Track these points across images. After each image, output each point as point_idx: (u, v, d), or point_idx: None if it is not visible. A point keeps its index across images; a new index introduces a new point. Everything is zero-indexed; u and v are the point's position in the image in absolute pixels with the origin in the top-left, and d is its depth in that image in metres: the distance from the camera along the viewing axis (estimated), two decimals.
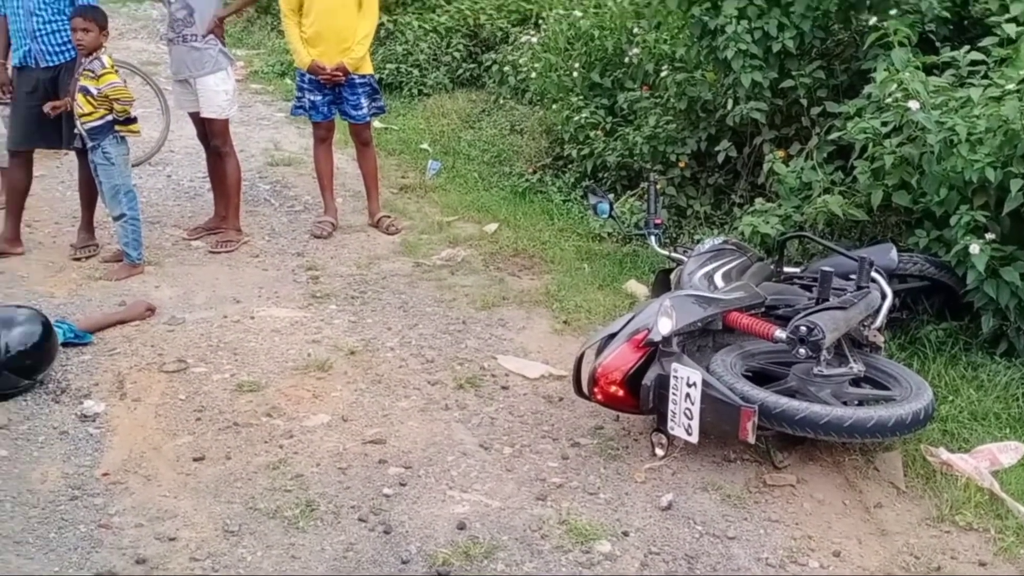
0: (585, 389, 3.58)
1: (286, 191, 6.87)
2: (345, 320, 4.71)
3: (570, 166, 6.81)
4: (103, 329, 4.52)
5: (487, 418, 3.82)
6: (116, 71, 5.14)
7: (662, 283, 4.40)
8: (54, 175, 7.00)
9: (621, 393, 3.49)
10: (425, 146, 7.91)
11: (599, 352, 3.59)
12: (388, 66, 9.56)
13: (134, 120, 5.28)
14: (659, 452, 3.52)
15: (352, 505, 3.21)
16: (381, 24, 9.87)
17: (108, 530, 3.07)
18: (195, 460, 3.47)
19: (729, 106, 5.35)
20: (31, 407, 3.82)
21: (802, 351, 3.38)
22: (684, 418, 3.35)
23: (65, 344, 4.26)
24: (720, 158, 5.61)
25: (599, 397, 3.53)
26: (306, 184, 6.96)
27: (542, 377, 4.17)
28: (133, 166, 7.24)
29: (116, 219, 5.27)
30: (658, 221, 4.75)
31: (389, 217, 6.10)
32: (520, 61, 7.89)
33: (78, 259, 5.44)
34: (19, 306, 4.19)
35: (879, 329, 3.78)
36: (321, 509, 3.18)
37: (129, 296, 4.96)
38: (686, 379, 3.34)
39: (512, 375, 4.19)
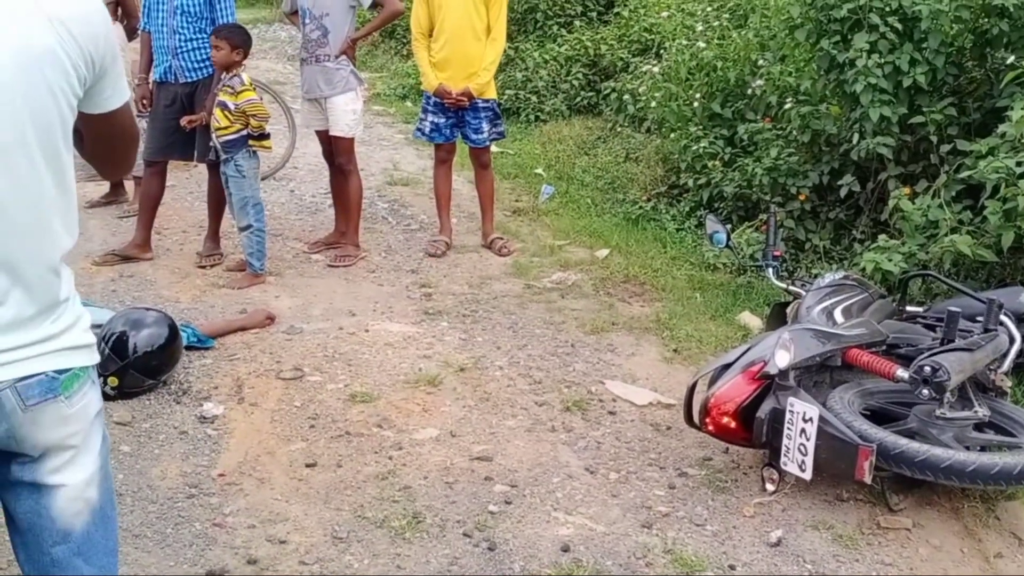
0: (696, 419, 3.54)
1: (403, 210, 7.01)
2: (456, 337, 4.77)
3: (685, 195, 6.77)
4: (225, 335, 4.67)
5: (593, 442, 3.80)
6: (254, 88, 5.34)
7: (778, 316, 4.32)
8: (184, 186, 7.29)
9: (733, 425, 3.43)
10: (540, 171, 7.97)
11: (712, 382, 3.54)
12: (507, 92, 9.69)
13: (267, 136, 5.47)
14: (769, 487, 3.45)
15: (458, 520, 3.24)
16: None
17: (222, 529, 3.16)
18: (307, 466, 3.55)
19: (854, 140, 5.24)
20: (154, 406, 3.97)
21: (925, 392, 3.27)
22: (798, 454, 3.27)
23: (188, 347, 4.42)
24: (842, 192, 5.49)
25: (710, 428, 3.48)
26: (422, 204, 7.09)
27: (650, 404, 4.14)
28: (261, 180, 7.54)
29: (242, 230, 5.45)
30: (777, 253, 4.66)
31: (502, 239, 6.16)
32: (639, 90, 7.90)
33: (203, 267, 5.65)
34: (148, 309, 4.37)
35: (1006, 374, 3.64)
36: (427, 521, 3.21)
37: (250, 304, 5.12)
38: (802, 414, 3.26)
39: (620, 400, 4.16)
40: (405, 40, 12.97)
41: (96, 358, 1.82)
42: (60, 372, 1.72)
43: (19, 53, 1.59)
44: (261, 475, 3.49)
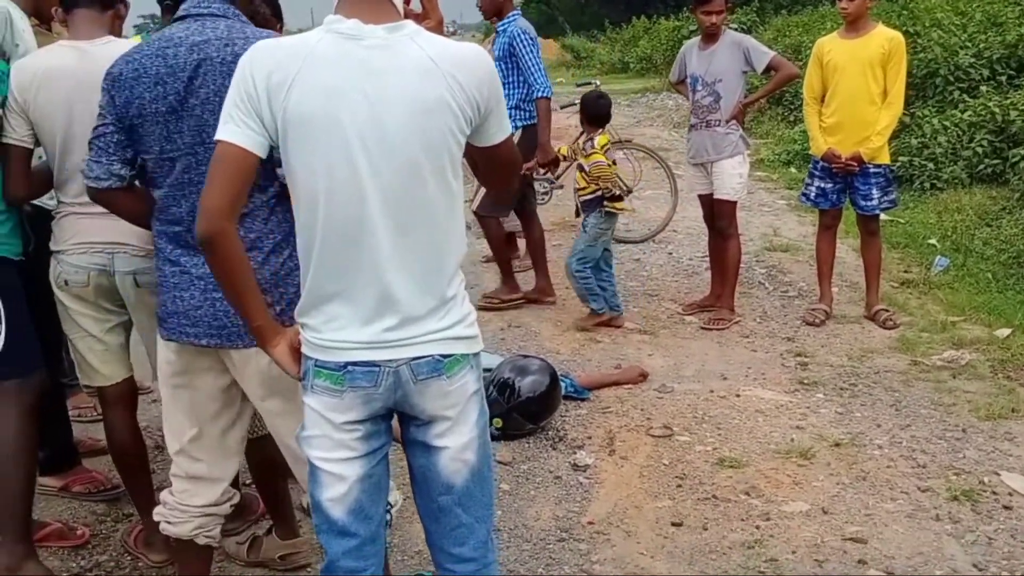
0: None
1: (781, 276, 6.89)
2: (832, 411, 4.58)
3: None
4: (599, 388, 4.86)
5: (984, 536, 3.47)
6: (604, 152, 5.60)
7: None
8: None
9: None
10: (933, 241, 7.48)
11: None
12: (901, 158, 9.22)
13: (619, 198, 5.67)
14: None
15: None
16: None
17: None
18: (673, 524, 3.57)
19: None
20: (532, 450, 4.21)
21: None
22: None
23: (566, 397, 4.65)
24: None
25: None
26: (801, 271, 6.93)
27: None
28: (638, 242, 7.79)
29: (570, 276, 5.80)
30: None
31: (887, 311, 5.84)
32: None
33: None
34: (532, 357, 4.66)
35: None
36: None
37: (624, 361, 5.28)
38: None
39: (1016, 495, 3.77)
40: (793, 106, 12.84)
41: (478, 347, 2.19)
42: (444, 356, 2.10)
43: (414, 102, 1.98)
44: (628, 527, 3.57)
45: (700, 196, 6.07)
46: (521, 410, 4.25)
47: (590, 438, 4.32)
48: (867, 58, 5.54)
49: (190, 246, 2.47)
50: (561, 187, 8.13)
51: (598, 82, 8.54)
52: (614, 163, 5.85)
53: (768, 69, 5.70)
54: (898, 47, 5.55)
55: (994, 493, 3.79)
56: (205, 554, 2.86)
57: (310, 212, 2.03)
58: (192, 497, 2.72)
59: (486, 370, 3.84)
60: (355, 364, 2.05)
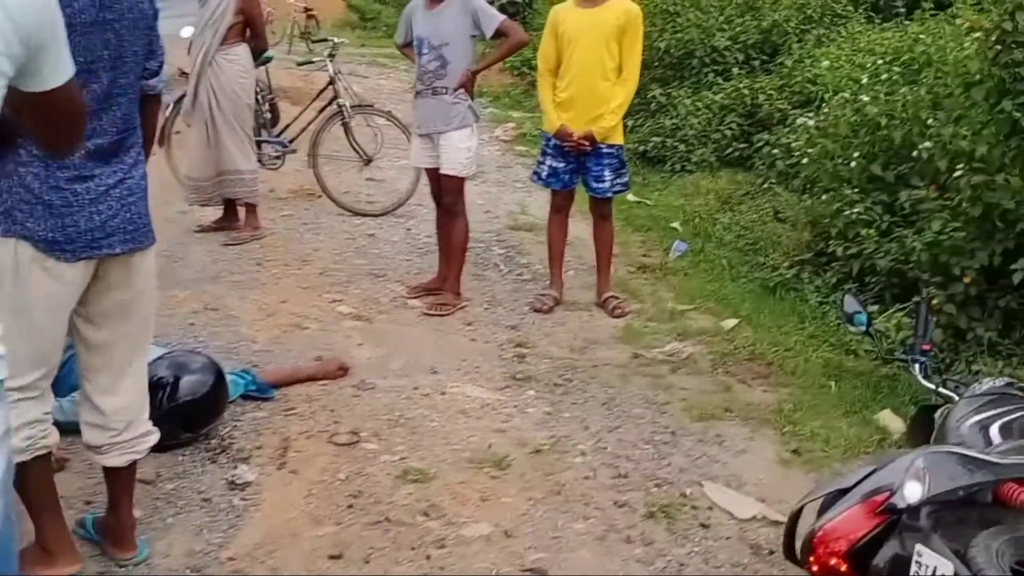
0: (798, 553, 2.85)
1: (519, 257, 6.52)
2: (540, 410, 4.21)
3: (833, 265, 5.98)
4: (290, 384, 4.28)
5: (675, 563, 3.16)
6: None
7: (923, 424, 3.54)
8: (300, 216, 7.04)
9: (843, 568, 2.71)
10: (676, 225, 7.33)
11: (823, 510, 2.85)
12: (654, 139, 9.12)
13: None
14: None
15: None
16: (653, 97, 9.50)
17: None
18: (331, 557, 3.07)
19: None
20: (185, 464, 3.59)
21: None
22: None
23: (246, 396, 4.06)
24: (1016, 278, 4.64)
25: (814, 568, 2.77)
26: (541, 252, 6.53)
27: (753, 519, 3.45)
28: (378, 215, 7.22)
29: None
30: (926, 347, 3.87)
31: (617, 298, 5.56)
32: (793, 144, 7.16)
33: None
34: (195, 352, 4.02)
35: None
36: None
37: (330, 351, 4.73)
38: (932, 569, 2.54)
39: (717, 510, 3.50)
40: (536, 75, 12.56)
41: (2, 372, 1.55)
42: None
43: None
44: (275, 563, 3.02)
45: (427, 170, 5.57)
46: (176, 416, 3.60)
47: (260, 448, 3.73)
48: (602, 30, 5.19)
49: (105, 159, 2.57)
50: (294, 151, 7.43)
51: (335, 39, 7.87)
52: None
53: (497, 34, 5.25)
54: (634, 20, 5.24)
55: (694, 508, 3.50)
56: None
57: None
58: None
59: None
60: None
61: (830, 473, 3.69)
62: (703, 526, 3.39)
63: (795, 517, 2.91)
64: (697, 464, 3.84)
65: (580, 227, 6.31)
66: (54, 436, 2.79)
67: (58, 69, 1.62)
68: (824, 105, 7.39)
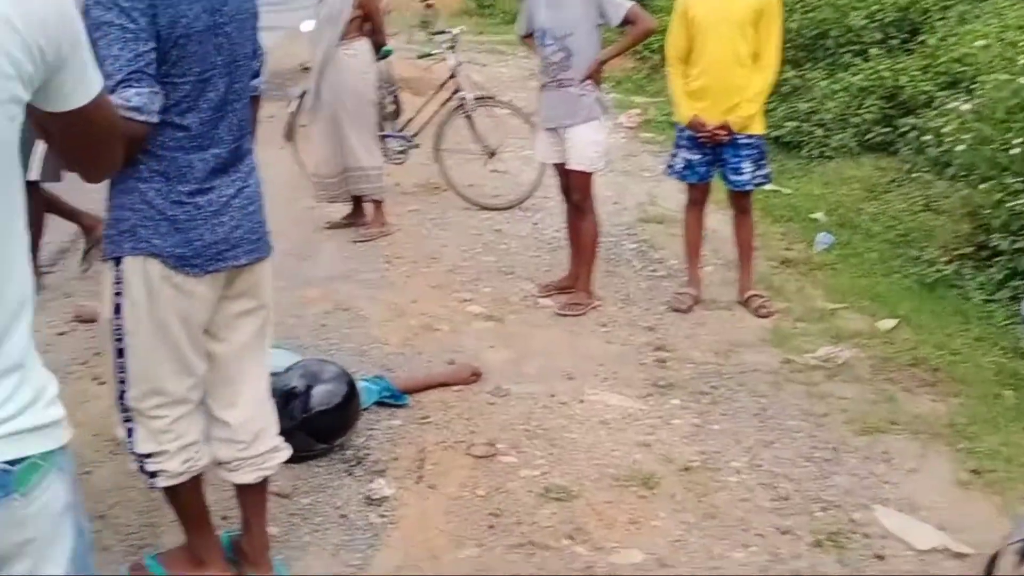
0: None
1: (652, 252, 6.21)
2: (687, 422, 3.92)
3: (998, 260, 5.49)
4: (423, 391, 4.10)
5: None
6: None
7: None
8: (427, 211, 6.89)
9: None
10: (818, 215, 6.90)
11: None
12: (788, 124, 8.67)
13: None
14: None
15: None
16: (786, 80, 9.01)
17: None
18: None
19: None
20: (321, 476, 3.43)
21: None
22: None
23: (380, 404, 3.91)
24: None
25: None
26: (675, 247, 6.24)
27: (934, 550, 3.10)
28: (503, 209, 7.02)
29: None
30: None
31: (761, 297, 5.21)
32: (944, 129, 6.64)
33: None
34: (326, 362, 3.85)
35: None
36: None
37: (462, 353, 4.54)
38: None
39: (891, 539, 3.16)
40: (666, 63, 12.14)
41: (65, 436, 1.39)
42: (12, 462, 1.31)
43: None
44: None
45: (555, 165, 5.32)
46: (310, 427, 3.46)
47: (396, 459, 3.56)
48: (737, 14, 4.85)
49: (224, 169, 2.49)
50: (417, 146, 7.29)
51: (454, 30, 7.67)
52: None
53: (625, 22, 4.96)
54: (771, 4, 4.87)
55: (865, 536, 3.16)
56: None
57: None
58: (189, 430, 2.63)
59: (274, 373, 3.06)
60: None
61: (1020, 499, 3.31)
62: (878, 557, 3.05)
63: (991, 562, 2.56)
64: (864, 485, 3.49)
65: (716, 218, 5.97)
66: (208, 457, 2.69)
67: (83, 84, 1.44)
68: (977, 87, 6.85)
